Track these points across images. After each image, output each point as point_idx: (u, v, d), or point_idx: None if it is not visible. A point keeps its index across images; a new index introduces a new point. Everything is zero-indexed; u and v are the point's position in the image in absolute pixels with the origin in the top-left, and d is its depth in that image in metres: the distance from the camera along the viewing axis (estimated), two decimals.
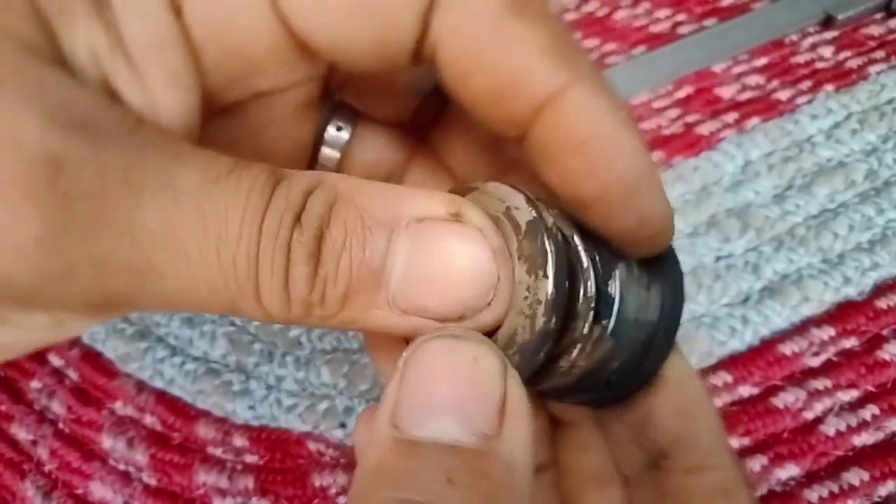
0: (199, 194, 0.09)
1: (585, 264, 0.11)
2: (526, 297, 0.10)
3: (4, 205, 0.08)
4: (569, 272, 0.10)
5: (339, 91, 0.13)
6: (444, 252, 0.09)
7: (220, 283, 0.09)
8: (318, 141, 0.13)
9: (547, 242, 0.10)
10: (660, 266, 0.11)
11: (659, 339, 0.11)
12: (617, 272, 0.11)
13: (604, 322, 0.11)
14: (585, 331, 0.10)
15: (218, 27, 0.10)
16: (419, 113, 0.13)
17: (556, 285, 0.10)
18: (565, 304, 0.10)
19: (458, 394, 0.09)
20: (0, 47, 0.09)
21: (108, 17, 0.09)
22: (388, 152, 0.14)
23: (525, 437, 0.09)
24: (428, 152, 0.14)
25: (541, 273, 0.10)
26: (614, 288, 0.11)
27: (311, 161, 0.14)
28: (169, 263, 0.09)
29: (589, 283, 0.10)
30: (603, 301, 0.11)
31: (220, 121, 0.12)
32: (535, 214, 0.10)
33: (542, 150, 0.10)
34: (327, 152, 0.14)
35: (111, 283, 0.09)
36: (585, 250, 0.11)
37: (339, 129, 0.13)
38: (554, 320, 0.10)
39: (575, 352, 0.10)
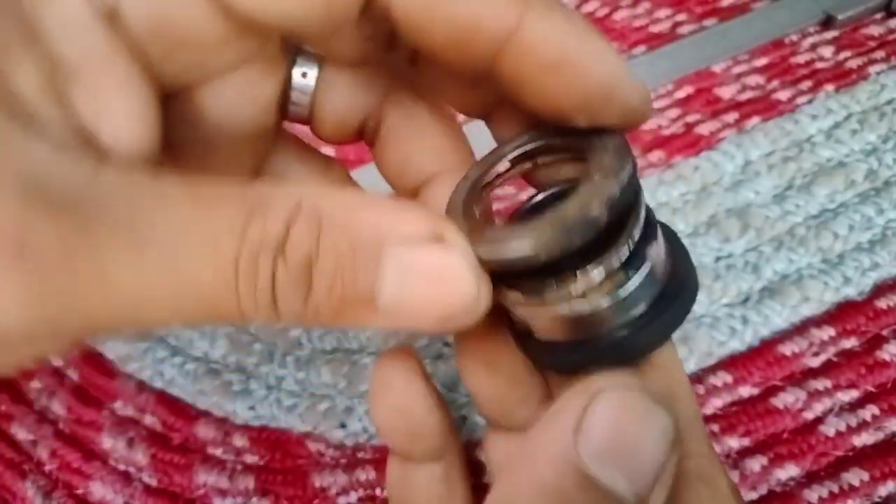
0: (166, 245, 0.09)
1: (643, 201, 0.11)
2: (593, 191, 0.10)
3: None
4: (634, 193, 0.11)
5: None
6: (429, 276, 0.10)
7: (201, 315, 0.10)
8: (287, 89, 0.13)
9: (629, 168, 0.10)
10: (676, 244, 0.12)
11: (677, 304, 0.11)
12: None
13: (639, 264, 0.11)
14: (619, 262, 0.11)
15: (157, 25, 0.10)
16: (393, 49, 0.13)
17: (621, 189, 0.10)
18: (622, 211, 0.11)
19: (637, 454, 0.10)
20: None
21: (43, 47, 0.10)
22: (359, 95, 0.14)
23: None
24: (406, 90, 0.14)
25: (612, 177, 0.10)
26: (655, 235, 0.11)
27: (282, 111, 0.14)
28: (147, 312, 0.09)
29: (641, 213, 0.11)
30: (647, 239, 0.11)
31: (182, 100, 0.12)
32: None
33: (515, 80, 0.11)
34: (297, 99, 0.13)
35: (95, 328, 0.10)
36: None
37: (304, 75, 0.13)
38: (605, 215, 0.10)
39: (599, 278, 0.11)
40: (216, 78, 0.12)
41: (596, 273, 0.11)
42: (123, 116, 0.10)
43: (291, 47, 0.13)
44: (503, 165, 0.13)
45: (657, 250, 0.11)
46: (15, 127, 0.09)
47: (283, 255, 0.10)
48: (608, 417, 0.10)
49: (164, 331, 0.23)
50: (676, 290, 0.11)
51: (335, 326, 0.10)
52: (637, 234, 0.11)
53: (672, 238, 0.12)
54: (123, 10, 0.10)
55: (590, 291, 0.11)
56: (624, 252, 0.11)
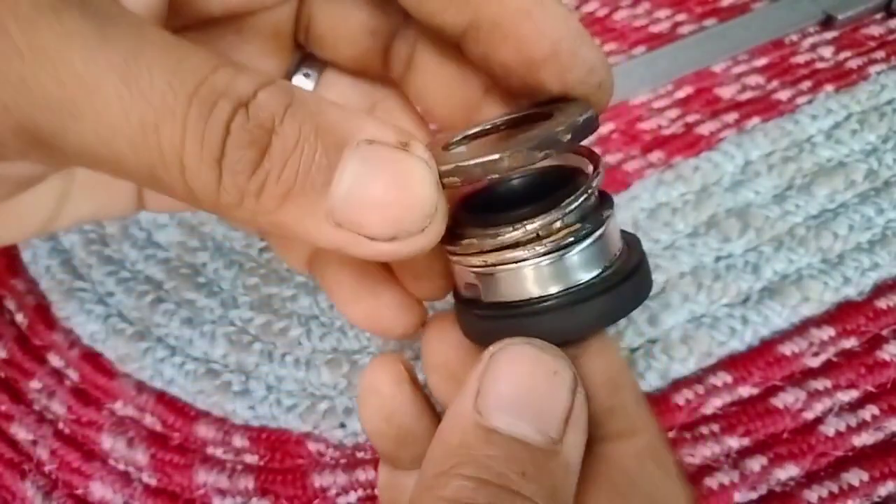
0: (128, 48, 0.09)
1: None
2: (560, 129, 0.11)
3: None
4: (591, 152, 0.11)
5: (306, 43, 0.14)
6: (389, 175, 0.10)
7: (139, 140, 0.09)
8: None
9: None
10: (636, 245, 0.12)
11: (625, 287, 0.11)
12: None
13: (605, 213, 0.11)
14: (570, 216, 0.11)
15: None
16: (388, 62, 0.14)
17: (584, 121, 0.11)
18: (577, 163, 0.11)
19: (536, 399, 0.10)
20: None
21: None
22: (353, 98, 0.15)
23: (581, 445, 0.11)
24: (396, 98, 0.15)
25: (576, 115, 0.11)
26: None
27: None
28: (88, 106, 0.09)
29: (599, 172, 0.11)
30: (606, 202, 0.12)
31: (191, 38, 0.12)
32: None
33: (495, 25, 0.11)
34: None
35: (34, 109, 0.09)
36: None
37: (306, 76, 0.14)
38: (568, 138, 0.10)
39: (545, 228, 0.11)
40: (231, 22, 0.12)
41: (542, 221, 0.11)
42: None
43: (298, 56, 0.14)
44: (487, 124, 0.13)
45: (612, 225, 0.12)
46: None
47: (246, 110, 0.09)
48: (504, 372, 0.10)
49: (163, 330, 0.23)
50: (627, 275, 0.11)
51: (264, 226, 0.10)
52: (591, 193, 0.11)
53: (633, 240, 0.13)
54: None
55: (534, 241, 0.11)
56: (574, 206, 0.11)
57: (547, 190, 0.12)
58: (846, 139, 0.24)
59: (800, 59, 0.27)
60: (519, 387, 0.10)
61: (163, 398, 0.22)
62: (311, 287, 0.24)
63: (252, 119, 0.09)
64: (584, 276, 0.11)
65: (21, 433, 0.22)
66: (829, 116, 0.25)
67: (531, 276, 0.11)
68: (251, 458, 0.21)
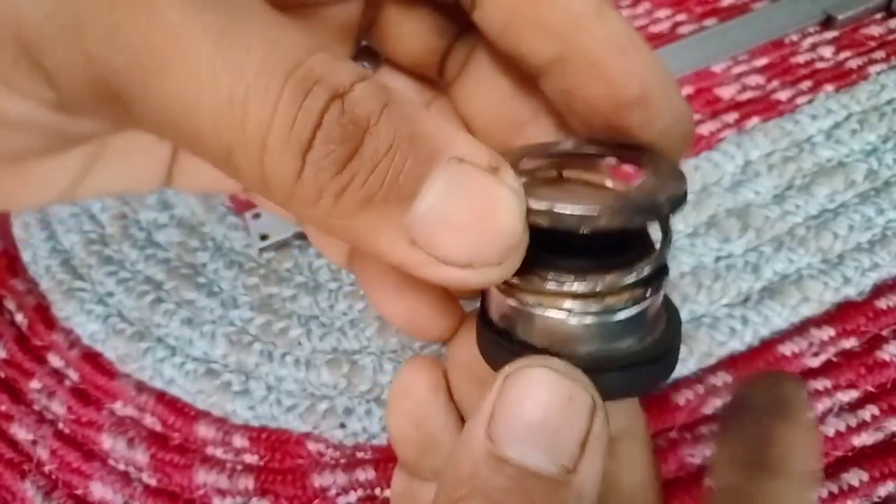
0: (228, 12, 0.08)
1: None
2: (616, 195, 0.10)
3: None
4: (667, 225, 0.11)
5: (366, 36, 0.13)
6: (477, 199, 0.09)
7: (224, 112, 0.08)
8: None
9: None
10: (675, 317, 0.12)
11: (656, 367, 0.11)
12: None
13: (664, 281, 0.11)
14: (633, 278, 0.10)
15: None
16: (443, 65, 0.13)
17: (684, 194, 0.10)
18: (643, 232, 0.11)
19: (550, 426, 0.10)
20: None
21: None
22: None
23: (598, 472, 0.10)
24: (445, 103, 0.14)
25: (674, 181, 0.10)
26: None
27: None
28: (177, 66, 0.08)
29: (666, 244, 0.11)
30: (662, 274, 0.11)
31: None
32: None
33: (586, 62, 0.11)
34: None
35: (116, 59, 0.09)
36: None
37: (363, 67, 0.14)
38: (667, 208, 0.10)
39: (603, 287, 0.10)
40: (303, 10, 0.12)
41: (612, 280, 0.10)
42: None
43: (356, 49, 0.13)
44: (572, 147, 0.12)
45: (657, 298, 0.11)
46: None
47: (342, 102, 0.09)
48: (519, 397, 0.10)
49: (163, 330, 0.23)
50: (661, 355, 0.11)
51: (337, 233, 0.10)
52: (652, 265, 0.11)
53: (672, 310, 0.12)
54: None
55: (592, 297, 0.11)
56: (646, 273, 0.11)
57: (610, 240, 0.11)
58: (846, 139, 0.24)
59: (800, 59, 0.27)
60: (533, 413, 0.10)
61: (163, 398, 0.22)
62: (311, 287, 0.24)
63: (347, 113, 0.09)
64: (625, 342, 0.11)
65: (21, 433, 0.22)
66: (829, 116, 0.25)
67: (574, 329, 0.11)
68: (251, 458, 0.21)
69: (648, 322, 0.11)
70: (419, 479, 0.14)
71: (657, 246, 0.11)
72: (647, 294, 0.11)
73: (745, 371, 0.20)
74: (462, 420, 0.14)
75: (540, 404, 0.10)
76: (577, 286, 0.10)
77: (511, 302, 0.11)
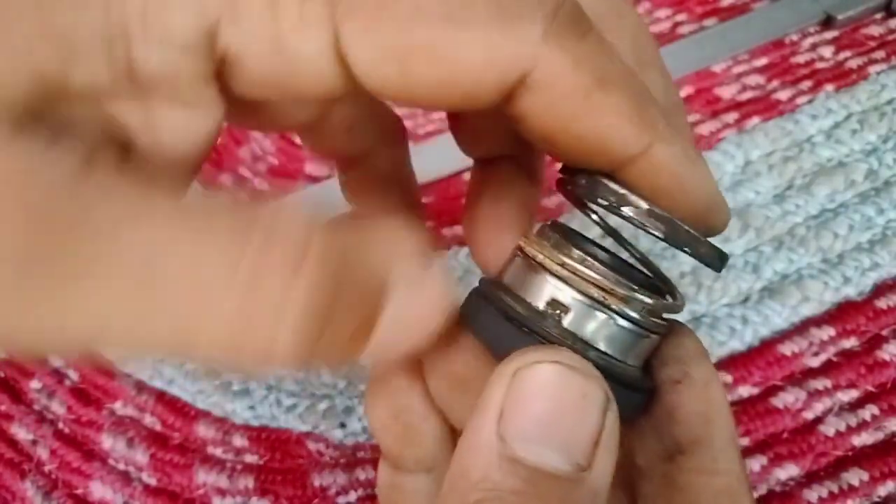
0: (150, 265, 0.08)
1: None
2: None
3: None
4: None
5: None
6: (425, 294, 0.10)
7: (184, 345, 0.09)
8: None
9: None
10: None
11: (634, 394, 0.11)
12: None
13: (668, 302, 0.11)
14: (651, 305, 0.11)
15: (273, 78, 0.10)
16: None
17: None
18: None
19: (564, 424, 0.10)
20: None
21: (128, 46, 0.09)
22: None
23: (611, 469, 0.10)
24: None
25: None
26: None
27: None
28: (108, 337, 0.09)
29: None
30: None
31: (247, 109, 0.11)
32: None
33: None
34: None
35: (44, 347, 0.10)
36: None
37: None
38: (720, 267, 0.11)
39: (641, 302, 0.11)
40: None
41: (655, 299, 0.11)
42: (184, 129, 0.10)
43: None
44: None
45: (658, 339, 0.12)
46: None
47: (302, 282, 0.09)
48: (531, 395, 0.10)
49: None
50: (649, 386, 0.12)
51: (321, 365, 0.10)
52: (671, 306, 0.11)
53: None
54: (242, 63, 0.10)
55: (633, 308, 0.11)
56: (671, 303, 0.11)
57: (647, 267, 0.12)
58: (846, 139, 0.24)
59: (800, 58, 0.27)
60: (546, 411, 0.10)
61: (163, 398, 0.22)
62: None
63: (315, 297, 0.09)
64: (629, 360, 0.11)
65: (21, 433, 0.22)
66: (830, 116, 0.25)
67: (594, 321, 0.11)
68: (251, 458, 0.21)
69: (645, 355, 0.12)
70: (403, 470, 0.14)
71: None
72: (664, 326, 0.11)
73: (745, 371, 0.20)
74: (442, 412, 0.14)
75: (554, 401, 0.10)
76: (608, 278, 0.11)
77: (530, 273, 0.11)
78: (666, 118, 0.11)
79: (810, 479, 0.19)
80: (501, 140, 0.14)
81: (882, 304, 0.21)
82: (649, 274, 0.12)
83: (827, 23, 0.28)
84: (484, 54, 0.10)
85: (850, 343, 0.20)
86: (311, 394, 0.22)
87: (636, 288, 0.11)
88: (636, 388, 0.11)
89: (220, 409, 0.21)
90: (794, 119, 0.25)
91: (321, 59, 0.10)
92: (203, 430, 0.21)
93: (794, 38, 0.28)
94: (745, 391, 0.20)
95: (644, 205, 0.11)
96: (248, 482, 0.20)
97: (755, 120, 0.25)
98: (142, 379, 0.22)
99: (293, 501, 0.20)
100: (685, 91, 0.27)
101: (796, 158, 0.24)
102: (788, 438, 0.19)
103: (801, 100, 0.25)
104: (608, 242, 0.13)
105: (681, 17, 0.30)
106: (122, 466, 0.21)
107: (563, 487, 0.09)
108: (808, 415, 0.19)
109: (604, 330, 0.11)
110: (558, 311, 0.11)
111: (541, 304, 0.11)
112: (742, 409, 0.20)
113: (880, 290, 0.21)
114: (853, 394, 0.20)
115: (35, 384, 0.22)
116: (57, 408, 0.22)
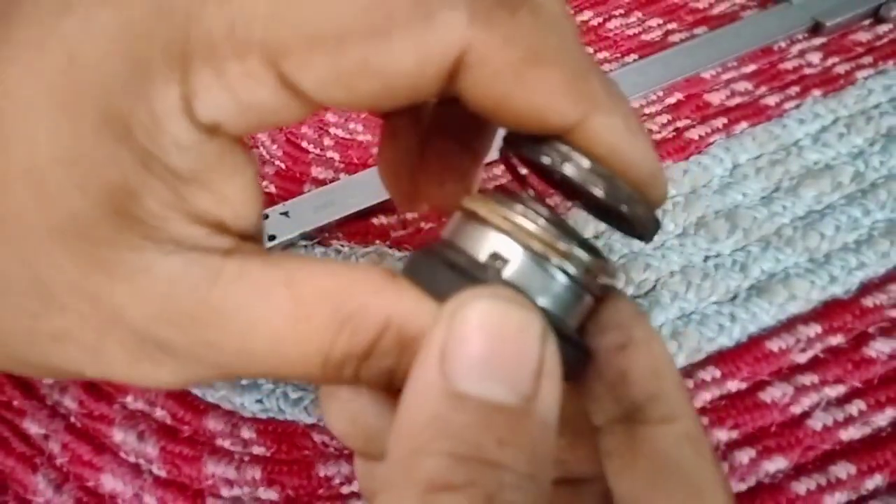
0: (263, 342, 0.11)
1: None
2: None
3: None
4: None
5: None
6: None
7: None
8: None
9: None
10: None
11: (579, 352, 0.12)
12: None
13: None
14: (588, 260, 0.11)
15: (251, 125, 0.11)
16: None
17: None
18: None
19: (505, 356, 0.10)
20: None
21: (163, 165, 0.11)
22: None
23: (557, 397, 0.10)
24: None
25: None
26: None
27: None
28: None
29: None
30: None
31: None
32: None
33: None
34: None
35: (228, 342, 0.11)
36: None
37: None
38: (653, 224, 0.12)
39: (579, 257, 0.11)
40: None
41: (579, 252, 0.11)
42: (240, 200, 0.11)
43: None
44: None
45: (593, 300, 0.12)
46: (150, 246, 0.10)
47: (368, 363, 0.11)
48: (470, 331, 0.10)
49: None
50: (587, 348, 0.12)
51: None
52: (610, 269, 0.12)
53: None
54: (225, 125, 0.11)
55: (553, 250, 0.11)
56: (603, 258, 0.12)
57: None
58: (833, 142, 0.25)
59: (788, 65, 0.28)
60: (487, 345, 0.10)
61: (173, 392, 0.22)
62: None
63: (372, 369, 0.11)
64: (568, 319, 0.12)
65: (33, 427, 0.22)
66: (817, 121, 0.25)
67: (535, 271, 0.11)
68: (258, 450, 0.21)
69: (581, 318, 0.12)
70: (376, 460, 0.14)
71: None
72: (597, 285, 0.12)
73: (734, 366, 0.21)
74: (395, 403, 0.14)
75: (493, 335, 0.10)
76: (547, 230, 0.11)
77: (472, 227, 0.11)
78: (607, 89, 0.11)
79: (798, 471, 0.19)
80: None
81: (868, 302, 0.21)
82: (586, 239, 0.12)
83: (815, 29, 0.28)
84: (414, 56, 0.10)
85: (837, 340, 0.21)
86: (316, 388, 0.22)
87: (577, 243, 0.11)
88: (576, 344, 0.11)
89: (229, 403, 0.22)
90: (782, 124, 0.25)
91: (276, 98, 0.11)
92: (212, 423, 0.22)
93: (783, 44, 0.28)
94: (733, 385, 0.20)
95: (586, 163, 0.11)
96: (255, 473, 0.21)
97: (743, 125, 0.26)
98: None
99: (299, 491, 0.20)
100: (675, 97, 0.27)
101: (784, 161, 0.24)
102: (777, 432, 0.19)
103: (788, 105, 0.26)
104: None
105: (672, 25, 0.30)
106: (132, 459, 0.21)
107: (512, 418, 0.09)
108: (796, 409, 0.20)
109: (544, 283, 0.11)
110: (499, 262, 0.11)
111: (482, 257, 0.11)
112: (731, 402, 0.20)
113: (867, 288, 0.21)
114: (840, 389, 0.20)
115: (47, 379, 0.23)
116: (69, 402, 0.22)
